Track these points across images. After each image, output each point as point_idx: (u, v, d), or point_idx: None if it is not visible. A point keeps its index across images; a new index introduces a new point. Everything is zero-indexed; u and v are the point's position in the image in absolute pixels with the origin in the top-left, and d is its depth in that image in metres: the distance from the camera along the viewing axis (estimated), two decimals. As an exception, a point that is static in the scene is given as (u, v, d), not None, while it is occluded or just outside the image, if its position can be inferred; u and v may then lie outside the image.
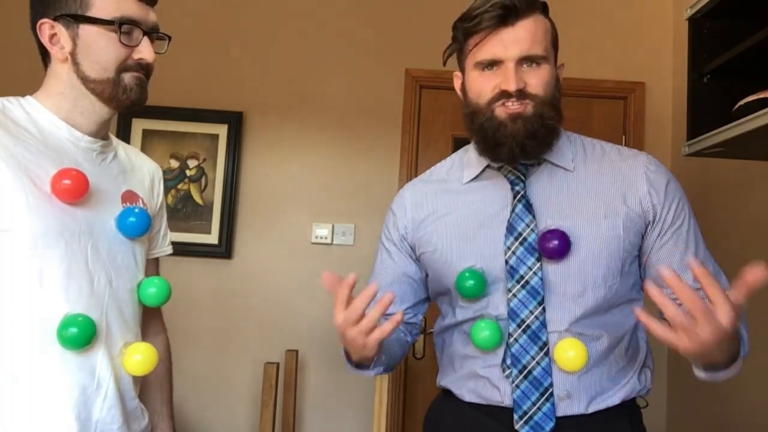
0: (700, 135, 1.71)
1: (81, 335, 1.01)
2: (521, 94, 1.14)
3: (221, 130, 2.91)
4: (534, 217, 1.18)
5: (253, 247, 2.91)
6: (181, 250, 2.86)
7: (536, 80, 1.15)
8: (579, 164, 1.23)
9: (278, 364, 2.52)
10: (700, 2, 1.70)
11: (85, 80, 1.09)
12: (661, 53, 2.96)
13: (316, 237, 2.89)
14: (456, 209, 1.26)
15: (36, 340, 1.01)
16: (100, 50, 1.08)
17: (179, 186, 2.90)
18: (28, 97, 1.12)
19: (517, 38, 1.13)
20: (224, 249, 2.87)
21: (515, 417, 1.14)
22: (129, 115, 2.86)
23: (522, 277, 1.16)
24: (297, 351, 2.74)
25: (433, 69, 2.82)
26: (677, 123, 2.83)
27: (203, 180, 2.91)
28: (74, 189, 1.05)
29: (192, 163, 2.92)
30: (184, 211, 2.89)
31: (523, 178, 1.21)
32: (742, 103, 1.56)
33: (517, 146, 1.15)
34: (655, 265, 1.20)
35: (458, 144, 2.94)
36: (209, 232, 2.88)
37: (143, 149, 2.87)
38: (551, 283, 1.16)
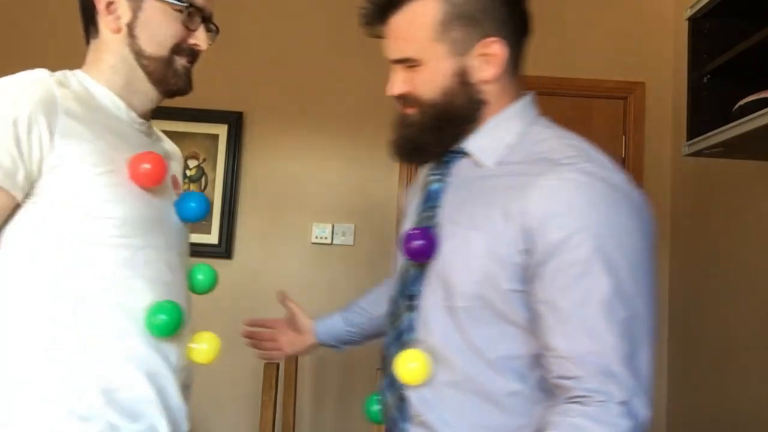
0: (700, 135, 1.71)
1: (170, 322, 0.98)
2: (404, 100, 1.03)
3: (221, 130, 2.91)
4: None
5: (253, 247, 2.91)
6: (181, 250, 2.91)
7: (417, 82, 1.01)
8: (507, 159, 1.01)
9: (278, 364, 2.52)
10: (700, 2, 1.71)
11: (139, 55, 1.05)
12: (661, 53, 2.96)
13: (316, 237, 2.89)
14: None
15: (120, 329, 0.97)
16: (162, 26, 1.05)
17: (179, 186, 2.90)
18: (77, 72, 1.06)
19: (388, 39, 1.01)
20: (224, 249, 2.86)
21: None
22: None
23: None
24: (297, 351, 2.74)
25: (433, 69, 2.82)
26: (677, 123, 2.82)
27: (203, 180, 2.91)
28: (155, 174, 1.00)
29: (192, 163, 2.91)
30: (184, 211, 2.89)
31: (439, 174, 1.08)
32: (742, 103, 1.56)
33: (398, 153, 1.07)
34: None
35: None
36: (209, 232, 2.88)
37: (143, 149, 2.88)
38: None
